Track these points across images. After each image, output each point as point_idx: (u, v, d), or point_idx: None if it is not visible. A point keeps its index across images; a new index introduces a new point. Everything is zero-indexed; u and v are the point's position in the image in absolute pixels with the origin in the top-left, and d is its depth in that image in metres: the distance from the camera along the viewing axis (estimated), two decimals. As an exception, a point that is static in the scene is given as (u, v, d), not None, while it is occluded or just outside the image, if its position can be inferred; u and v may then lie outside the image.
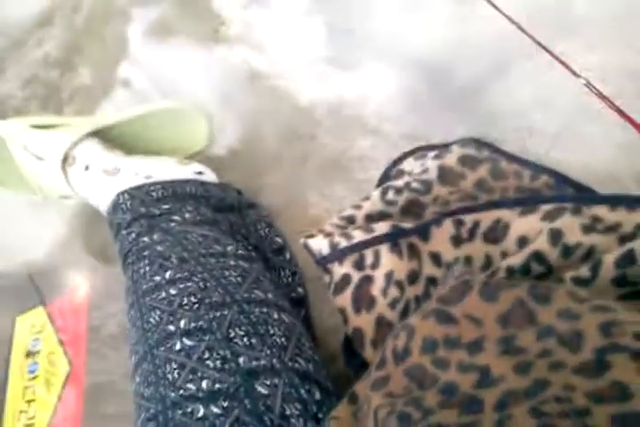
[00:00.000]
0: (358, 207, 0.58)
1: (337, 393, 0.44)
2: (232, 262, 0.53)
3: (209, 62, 0.88)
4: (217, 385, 0.41)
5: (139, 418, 0.43)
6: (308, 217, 0.66)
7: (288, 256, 0.61)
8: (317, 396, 0.42)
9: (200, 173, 0.67)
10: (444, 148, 0.62)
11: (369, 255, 0.50)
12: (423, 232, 0.51)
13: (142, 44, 0.96)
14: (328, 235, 0.53)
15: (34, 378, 0.72)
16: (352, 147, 0.69)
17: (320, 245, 0.52)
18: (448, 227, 0.51)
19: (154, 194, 0.61)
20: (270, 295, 0.50)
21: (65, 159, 0.67)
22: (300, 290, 0.59)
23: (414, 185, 0.58)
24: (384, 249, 0.50)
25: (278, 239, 0.63)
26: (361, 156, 0.68)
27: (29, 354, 0.75)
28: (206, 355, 0.43)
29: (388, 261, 0.50)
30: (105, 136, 0.72)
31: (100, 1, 1.06)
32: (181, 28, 0.95)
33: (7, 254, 0.85)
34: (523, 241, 0.47)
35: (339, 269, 0.51)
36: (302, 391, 0.42)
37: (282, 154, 0.73)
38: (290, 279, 0.59)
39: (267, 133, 0.76)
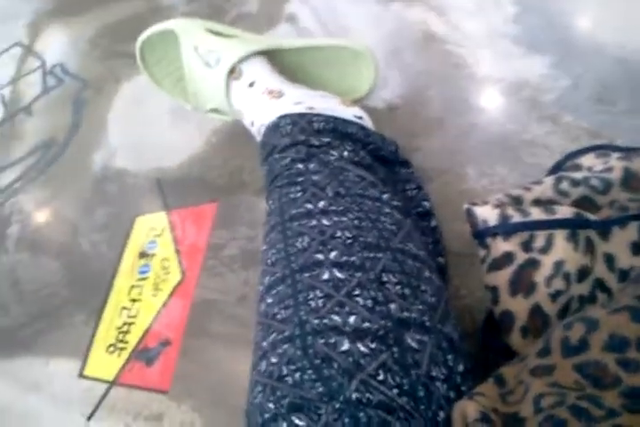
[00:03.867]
0: (528, 189, 0.53)
1: (473, 371, 0.41)
2: (387, 210, 0.50)
3: (383, 15, 0.85)
4: (366, 324, 0.38)
5: (266, 339, 0.41)
6: (461, 190, 0.62)
7: (433, 223, 0.58)
8: (461, 367, 0.39)
9: (360, 117, 0.63)
10: (633, 151, 0.56)
11: (540, 238, 0.46)
12: (604, 229, 0.47)
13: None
14: (498, 206, 0.49)
15: (143, 279, 0.72)
16: (525, 130, 0.64)
17: (488, 214, 0.48)
18: (632, 231, 0.46)
19: (315, 125, 0.58)
20: (422, 253, 0.47)
21: (231, 71, 0.66)
22: (440, 260, 0.55)
23: (593, 182, 0.53)
24: (560, 235, 0.46)
25: (426, 204, 0.59)
26: (533, 140, 0.63)
27: (143, 255, 0.74)
28: (357, 291, 0.40)
29: (562, 250, 0.45)
30: (270, 59, 0.70)
31: None
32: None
33: (141, 157, 0.85)
34: None
35: (502, 245, 0.47)
36: (449, 358, 0.38)
37: (445, 120, 0.69)
38: (431, 247, 0.55)
39: (432, 96, 0.72)
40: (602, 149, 0.59)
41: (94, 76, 1.04)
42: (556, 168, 0.59)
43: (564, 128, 0.63)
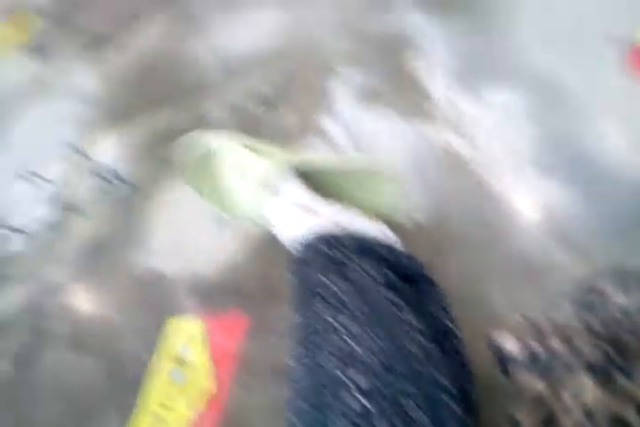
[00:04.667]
0: (550, 320, 0.54)
1: None
2: (413, 335, 0.50)
3: (408, 134, 0.90)
4: None
5: None
6: (483, 310, 0.63)
7: (458, 346, 0.58)
8: None
9: (387, 236, 0.66)
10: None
11: (569, 379, 0.46)
12: (628, 370, 0.47)
13: (349, 103, 1.00)
14: (521, 338, 0.49)
15: (177, 386, 0.72)
16: (547, 254, 0.66)
17: (512, 345, 0.49)
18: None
19: (345, 243, 0.61)
20: (449, 384, 0.47)
21: (267, 186, 0.69)
22: (467, 386, 0.55)
23: (618, 316, 0.54)
24: (585, 377, 0.46)
25: (450, 325, 0.60)
26: (552, 262, 0.65)
27: (177, 360, 0.74)
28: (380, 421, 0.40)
29: (592, 395, 0.45)
30: (302, 174, 0.74)
31: (309, 53, 1.11)
32: (384, 94, 0.98)
33: (179, 260, 0.88)
34: None
35: (528, 379, 0.47)
36: None
37: (467, 238, 0.71)
38: (456, 371, 0.55)
39: (454, 214, 0.75)
40: (619, 273, 0.60)
41: (142, 181, 1.09)
42: (578, 294, 0.60)
43: (578, 250, 0.64)
